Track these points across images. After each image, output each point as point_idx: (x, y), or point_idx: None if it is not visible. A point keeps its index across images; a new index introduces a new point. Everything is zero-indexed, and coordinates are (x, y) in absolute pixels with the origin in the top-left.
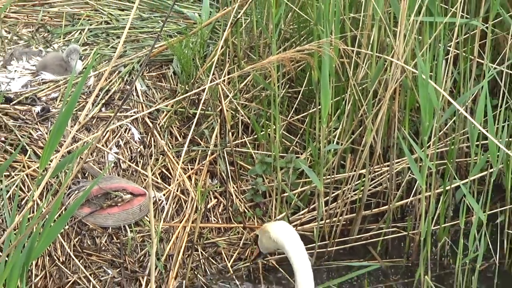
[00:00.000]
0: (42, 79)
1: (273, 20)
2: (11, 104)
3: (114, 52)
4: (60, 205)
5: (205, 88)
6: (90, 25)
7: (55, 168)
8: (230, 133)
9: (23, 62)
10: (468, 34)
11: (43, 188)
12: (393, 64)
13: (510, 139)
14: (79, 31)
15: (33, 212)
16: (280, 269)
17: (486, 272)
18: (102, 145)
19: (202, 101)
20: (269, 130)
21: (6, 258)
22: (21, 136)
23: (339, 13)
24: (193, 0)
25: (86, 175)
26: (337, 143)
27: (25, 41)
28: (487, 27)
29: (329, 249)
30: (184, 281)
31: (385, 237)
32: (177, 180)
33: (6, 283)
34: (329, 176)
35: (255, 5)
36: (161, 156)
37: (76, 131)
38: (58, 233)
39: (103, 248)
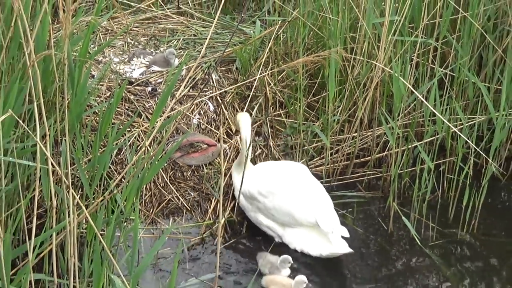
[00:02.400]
0: (152, 70)
1: (300, 36)
2: (132, 85)
3: (199, 54)
4: (161, 150)
5: (256, 78)
6: (184, 36)
7: (159, 126)
8: (271, 108)
9: (141, 59)
10: (425, 48)
11: (152, 139)
12: (376, 66)
13: (449, 117)
14: (176, 40)
15: (144, 154)
16: None
17: (432, 201)
18: (189, 113)
19: (253, 87)
20: (296, 106)
21: (127, 183)
22: (138, 106)
23: (343, 33)
24: (250, 22)
25: (178, 132)
26: (339, 116)
27: (142, 45)
28: (438, 44)
29: (332, 184)
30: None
31: (368, 177)
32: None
33: (126, 199)
34: (333, 137)
35: (289, 26)
36: (227, 121)
37: (173, 104)
38: (160, 168)
39: (188, 178)
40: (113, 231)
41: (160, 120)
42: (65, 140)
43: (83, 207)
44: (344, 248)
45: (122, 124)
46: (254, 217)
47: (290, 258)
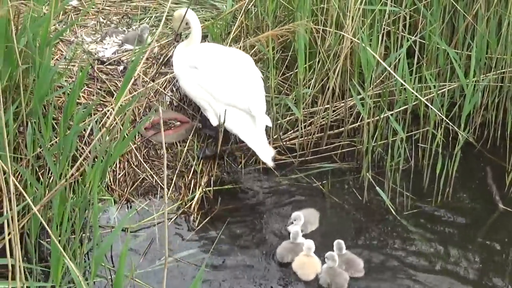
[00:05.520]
0: (125, 49)
1: (269, 9)
2: (104, 64)
3: (171, 31)
4: (127, 127)
5: None
6: (156, 13)
7: (126, 105)
8: None
9: (113, 38)
10: (396, 17)
11: (125, 117)
12: (345, 37)
13: (422, 85)
14: (149, 18)
15: (109, 131)
16: (275, 171)
17: (406, 171)
18: (162, 89)
19: None
20: (268, 80)
21: (93, 162)
22: (110, 85)
23: (309, 4)
24: None
25: (151, 109)
26: (312, 88)
27: (114, 24)
28: (405, 12)
29: (306, 156)
30: (212, 177)
31: (343, 150)
32: None
33: (92, 179)
34: (306, 109)
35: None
36: None
37: (145, 81)
38: (126, 146)
39: (162, 156)
40: (79, 214)
41: (126, 98)
42: (31, 122)
43: (30, 202)
44: (269, 161)
45: (95, 104)
46: (189, 87)
47: (301, 214)
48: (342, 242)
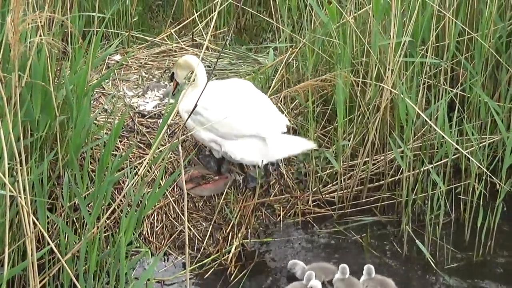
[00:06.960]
0: (165, 102)
1: (308, 61)
2: (145, 118)
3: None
4: (160, 178)
5: None
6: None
7: (163, 153)
8: None
9: (155, 92)
10: (437, 70)
11: (163, 169)
12: (385, 89)
13: (464, 137)
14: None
15: (141, 180)
16: (314, 224)
17: (447, 224)
18: (200, 145)
19: None
20: (307, 133)
21: (127, 213)
22: (149, 138)
23: (349, 57)
24: (266, 52)
25: (190, 163)
26: (352, 140)
27: (156, 78)
28: (447, 64)
29: (346, 209)
30: (249, 230)
31: (383, 203)
32: None
33: (126, 229)
34: (346, 162)
35: (299, 53)
36: None
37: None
38: (165, 192)
39: (200, 209)
40: (113, 264)
41: (160, 149)
42: (67, 173)
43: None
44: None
45: (133, 156)
46: (197, 134)
47: (297, 262)
48: (372, 267)
